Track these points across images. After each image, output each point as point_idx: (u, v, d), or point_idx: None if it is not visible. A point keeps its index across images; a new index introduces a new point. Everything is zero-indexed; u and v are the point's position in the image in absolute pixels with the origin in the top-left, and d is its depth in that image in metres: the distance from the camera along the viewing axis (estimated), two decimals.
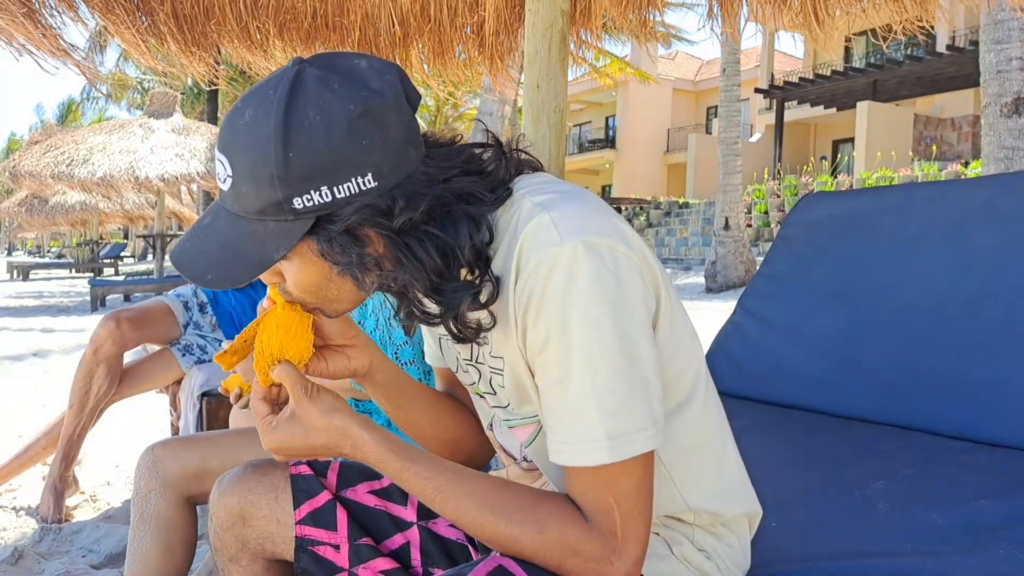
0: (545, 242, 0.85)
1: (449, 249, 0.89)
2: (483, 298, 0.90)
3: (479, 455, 1.20)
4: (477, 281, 0.90)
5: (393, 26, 4.31)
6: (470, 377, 1.07)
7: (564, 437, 0.86)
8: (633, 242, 0.90)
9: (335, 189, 0.85)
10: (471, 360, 1.04)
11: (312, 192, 0.85)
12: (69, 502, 2.74)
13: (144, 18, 3.43)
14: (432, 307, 0.94)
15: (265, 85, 0.88)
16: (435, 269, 0.89)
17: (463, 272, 0.91)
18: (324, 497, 1.09)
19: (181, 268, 0.93)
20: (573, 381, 0.84)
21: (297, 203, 0.85)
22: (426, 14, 4.29)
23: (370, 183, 0.86)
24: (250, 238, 0.89)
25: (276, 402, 0.97)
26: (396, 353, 1.58)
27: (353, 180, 0.85)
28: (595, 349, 0.83)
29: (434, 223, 0.89)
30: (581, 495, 0.87)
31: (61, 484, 2.65)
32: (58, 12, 2.90)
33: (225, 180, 0.89)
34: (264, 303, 0.99)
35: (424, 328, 1.19)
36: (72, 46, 2.62)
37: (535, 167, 1.02)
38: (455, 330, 0.93)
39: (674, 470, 1.00)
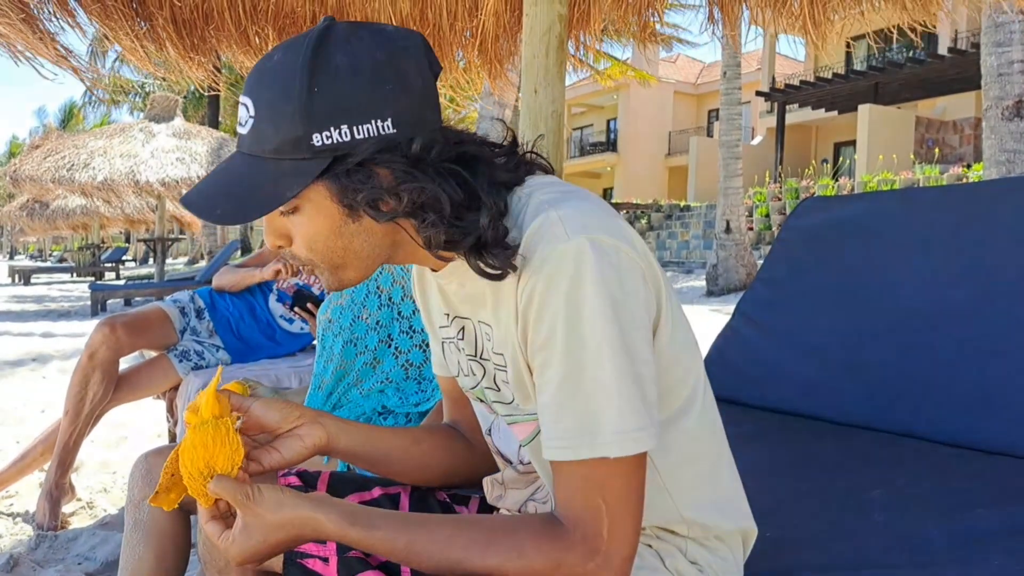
0: (552, 238, 0.85)
1: (468, 186, 0.90)
2: (503, 234, 0.88)
3: (476, 476, 1.19)
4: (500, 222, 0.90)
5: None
6: (473, 379, 1.06)
7: (563, 432, 0.85)
8: (637, 245, 0.90)
9: (355, 129, 0.87)
10: (475, 356, 1.03)
11: (332, 130, 0.86)
12: (65, 509, 2.73)
13: (143, 23, 3.43)
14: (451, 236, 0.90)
15: (296, 37, 0.90)
16: (456, 196, 0.88)
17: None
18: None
19: (190, 206, 0.91)
20: (575, 376, 0.84)
21: (316, 140, 0.86)
22: (425, 18, 4.29)
23: (389, 128, 0.88)
24: (264, 176, 0.89)
25: (228, 515, 0.94)
26: (408, 327, 1.57)
27: (373, 122, 0.87)
28: (599, 345, 0.83)
29: (451, 162, 0.90)
30: (570, 496, 0.86)
31: (57, 491, 2.64)
32: (56, 18, 2.90)
33: (246, 122, 0.90)
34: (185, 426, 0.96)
35: (431, 335, 1.19)
36: (69, 51, 2.61)
37: (546, 170, 1.02)
38: (481, 261, 0.89)
39: (669, 479, 0.99)
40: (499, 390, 1.01)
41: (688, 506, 1.00)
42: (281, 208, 0.91)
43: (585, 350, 0.83)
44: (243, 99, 0.91)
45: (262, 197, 0.88)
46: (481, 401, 1.08)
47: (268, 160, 0.89)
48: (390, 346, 1.65)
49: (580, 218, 0.87)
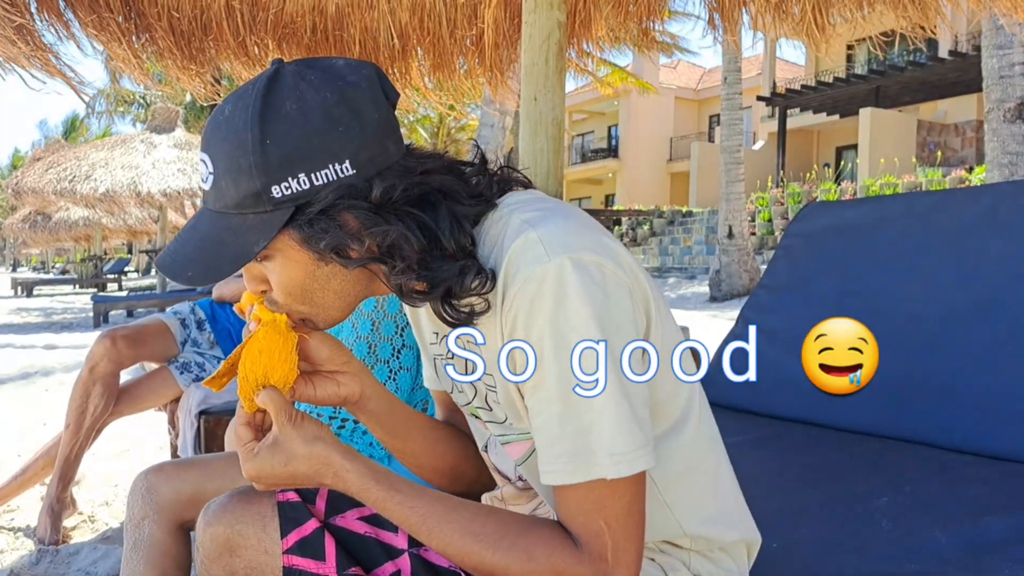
0: (532, 259, 0.84)
1: (430, 230, 0.89)
2: (473, 281, 0.88)
3: (479, 482, 1.17)
4: (467, 263, 0.89)
5: (392, 39, 4.30)
6: (465, 396, 1.04)
7: (557, 457, 0.84)
8: (622, 259, 0.88)
9: (313, 176, 0.86)
10: (466, 375, 1.01)
11: (290, 179, 0.86)
12: (67, 523, 2.72)
13: (142, 35, 3.43)
14: (420, 286, 0.91)
15: (245, 85, 0.90)
16: (418, 243, 0.88)
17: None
18: (312, 525, 1.06)
19: (163, 269, 0.93)
20: (569, 400, 0.82)
21: (276, 191, 0.86)
22: (425, 27, 4.29)
23: (348, 170, 0.87)
24: (230, 232, 0.89)
25: (260, 428, 0.95)
26: (394, 353, 1.54)
27: (331, 167, 0.87)
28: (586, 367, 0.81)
29: (412, 205, 0.89)
30: (571, 518, 0.85)
31: (58, 505, 2.62)
32: (53, 30, 2.90)
33: (207, 179, 0.90)
34: (249, 326, 0.97)
35: (422, 350, 1.17)
36: (63, 62, 2.61)
37: (525, 184, 1.00)
38: (445, 311, 0.90)
39: (668, 493, 0.97)
40: (491, 410, 0.99)
41: (689, 519, 0.98)
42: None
43: (571, 374, 0.82)
44: (201, 155, 0.92)
45: (231, 254, 0.89)
46: (476, 417, 1.06)
47: (233, 215, 0.89)
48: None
49: (560, 236, 0.85)
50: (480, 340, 0.92)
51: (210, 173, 0.90)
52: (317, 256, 0.90)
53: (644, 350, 0.88)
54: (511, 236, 0.88)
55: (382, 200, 0.88)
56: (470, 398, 1.03)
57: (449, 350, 1.00)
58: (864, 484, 1.57)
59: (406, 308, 1.18)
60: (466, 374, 1.01)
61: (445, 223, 0.89)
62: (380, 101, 0.91)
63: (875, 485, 1.55)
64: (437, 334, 1.06)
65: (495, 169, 0.99)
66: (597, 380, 0.81)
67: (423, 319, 1.11)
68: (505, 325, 0.87)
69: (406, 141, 0.97)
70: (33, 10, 2.84)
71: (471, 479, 1.17)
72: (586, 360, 0.81)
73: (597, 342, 0.81)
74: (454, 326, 0.91)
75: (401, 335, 1.54)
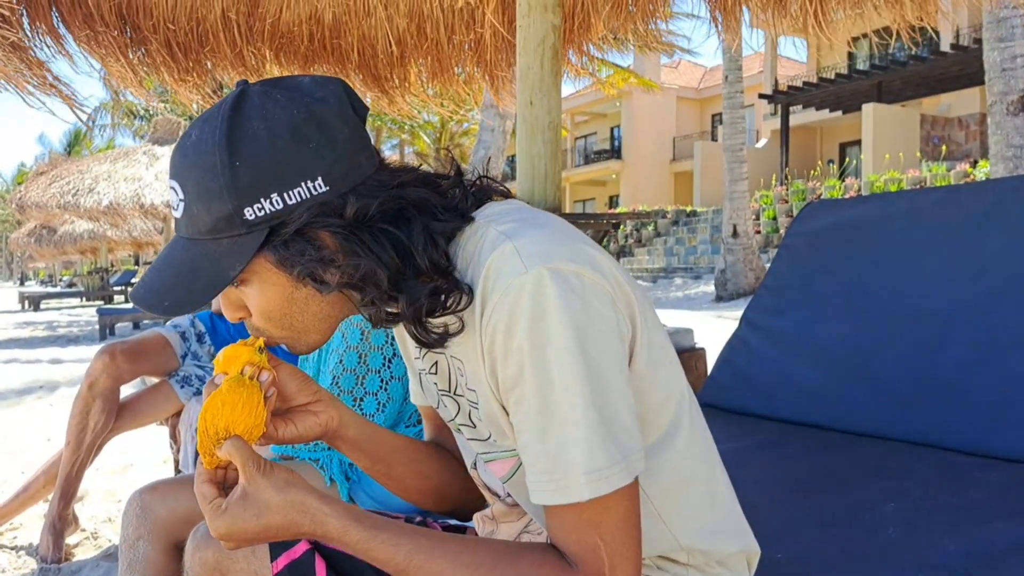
0: (509, 272, 0.82)
1: (404, 249, 0.87)
2: (448, 300, 0.86)
3: (467, 501, 1.15)
4: (440, 283, 0.87)
5: (391, 46, 4.30)
6: (449, 412, 1.02)
7: (541, 475, 0.82)
8: (604, 267, 0.85)
9: (285, 196, 0.85)
10: (448, 392, 0.99)
11: (263, 200, 0.84)
12: (69, 540, 2.70)
13: (137, 49, 3.42)
14: (394, 307, 0.90)
15: (211, 109, 0.88)
16: (392, 264, 0.86)
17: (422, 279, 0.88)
18: (302, 548, 1.03)
19: (138, 302, 0.90)
20: (545, 416, 0.80)
21: (248, 213, 0.85)
22: (423, 33, 4.28)
23: (321, 187, 0.86)
24: (205, 258, 0.87)
25: (223, 485, 0.90)
26: (385, 362, 1.52)
27: (303, 185, 0.85)
28: (566, 382, 0.79)
29: (387, 222, 0.87)
30: (565, 536, 0.83)
31: (60, 523, 2.60)
32: (46, 46, 2.89)
33: (178, 206, 0.89)
34: (214, 380, 0.93)
35: (407, 365, 1.15)
36: (57, 78, 2.60)
37: (504, 195, 0.98)
38: (418, 333, 0.89)
39: (662, 506, 0.94)
40: (474, 426, 0.97)
41: (685, 532, 0.96)
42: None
43: (552, 388, 0.80)
44: (170, 182, 0.89)
45: (207, 280, 0.86)
46: (461, 433, 1.04)
47: (206, 241, 0.87)
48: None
49: (537, 246, 0.83)
50: (462, 353, 0.90)
51: (181, 200, 0.88)
52: (294, 279, 0.88)
53: (631, 357, 0.86)
54: (487, 249, 0.86)
55: (357, 217, 0.86)
56: (453, 414, 1.01)
57: (433, 364, 0.98)
58: (870, 489, 1.54)
59: (393, 330, 1.16)
60: (448, 390, 0.99)
61: (419, 241, 0.87)
62: (349, 116, 0.89)
63: (881, 490, 1.52)
64: (420, 348, 1.03)
65: (472, 180, 0.97)
66: (575, 396, 0.79)
67: (407, 336, 1.08)
68: (484, 340, 0.84)
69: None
70: (26, 26, 2.84)
71: (458, 499, 1.15)
72: (565, 376, 0.79)
73: (576, 355, 0.79)
74: (428, 347, 0.89)
75: (392, 344, 1.52)
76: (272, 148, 0.84)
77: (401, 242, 0.87)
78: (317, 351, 1.64)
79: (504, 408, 0.87)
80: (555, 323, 0.79)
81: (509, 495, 1.03)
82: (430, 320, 0.88)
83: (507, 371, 0.83)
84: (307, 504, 0.84)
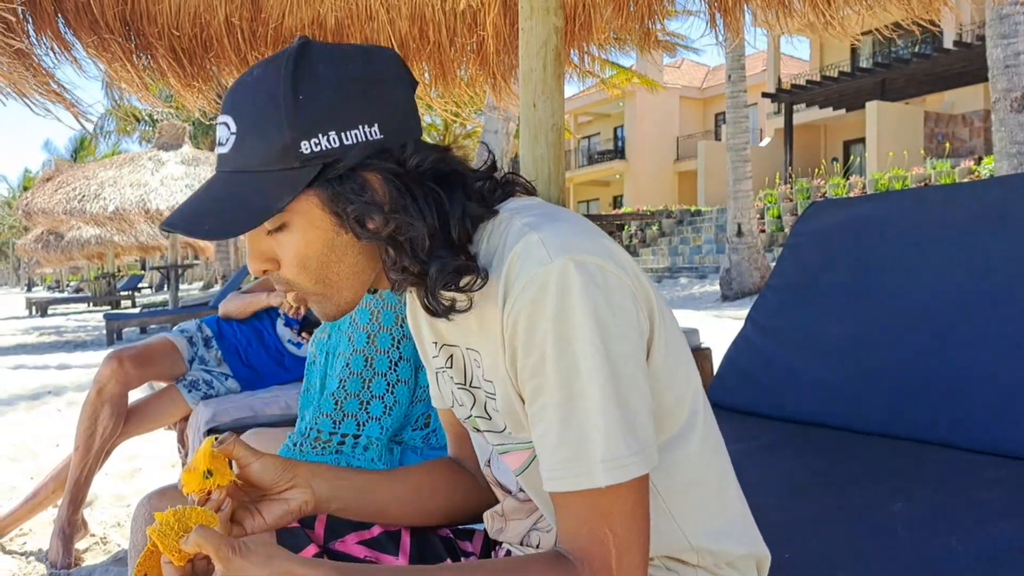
0: (534, 261, 0.83)
1: (444, 214, 0.89)
2: (465, 277, 0.87)
3: (476, 508, 1.15)
4: (463, 259, 0.88)
5: (392, 49, 4.30)
6: (464, 410, 1.03)
7: (556, 463, 0.82)
8: (624, 263, 0.87)
9: (343, 135, 0.86)
10: (464, 384, 1.00)
11: (320, 136, 0.85)
12: (79, 546, 2.71)
13: (143, 55, 3.43)
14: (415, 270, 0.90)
15: (274, 55, 0.89)
16: (431, 225, 0.87)
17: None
18: (311, 551, 1.04)
19: (173, 227, 0.88)
20: (566, 404, 0.81)
21: (305, 147, 0.85)
22: (425, 36, 4.29)
23: (376, 135, 0.87)
24: (251, 189, 0.86)
25: None
26: (391, 366, 1.53)
27: (361, 128, 0.87)
28: (588, 371, 0.80)
29: (435, 182, 0.89)
30: (575, 527, 0.83)
31: (70, 528, 2.61)
32: (52, 52, 2.90)
33: (227, 140, 0.88)
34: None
35: (426, 366, 1.16)
36: (63, 86, 2.61)
37: (528, 191, 0.99)
38: (428, 301, 0.89)
39: (674, 505, 0.95)
40: (490, 418, 0.98)
41: (695, 532, 0.96)
42: (267, 227, 0.89)
43: (575, 376, 0.80)
44: (222, 119, 0.89)
45: (251, 210, 0.85)
46: (477, 431, 1.05)
47: (254, 174, 0.87)
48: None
49: (563, 239, 0.84)
50: (480, 344, 0.91)
51: (232, 134, 0.88)
52: (338, 222, 0.88)
53: (648, 354, 0.87)
54: (512, 239, 0.87)
55: (412, 166, 0.88)
56: (469, 408, 1.01)
57: (448, 358, 0.99)
58: (878, 489, 1.54)
59: (409, 321, 1.16)
60: (464, 382, 0.99)
61: (457, 210, 0.89)
62: (404, 79, 0.92)
63: (889, 490, 1.52)
64: (436, 343, 1.04)
65: (501, 175, 0.98)
66: (596, 386, 0.80)
67: (424, 330, 1.09)
68: (506, 328, 0.85)
69: None
70: (31, 32, 2.85)
71: (471, 512, 1.16)
72: (588, 365, 0.80)
73: (598, 346, 0.80)
74: (435, 315, 0.90)
75: (398, 348, 1.52)
76: (335, 88, 0.86)
77: (443, 206, 0.88)
78: (324, 354, 1.65)
79: (522, 397, 0.88)
80: (579, 314, 0.80)
81: (521, 490, 1.03)
82: (443, 292, 0.88)
83: (528, 359, 0.83)
84: (293, 572, 0.80)
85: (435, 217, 0.88)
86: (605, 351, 0.80)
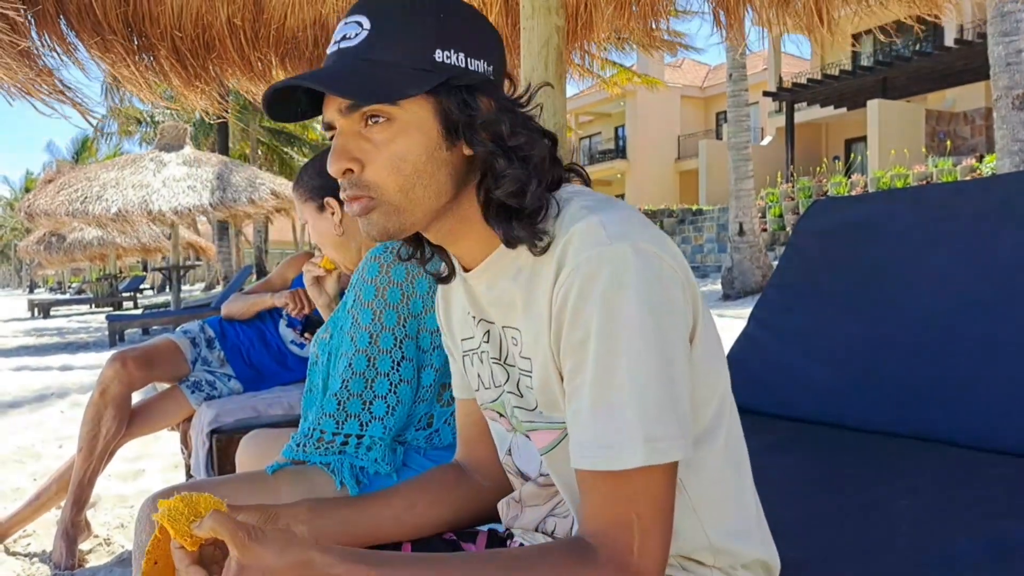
0: (593, 241, 0.84)
1: (540, 159, 0.93)
2: (542, 224, 0.91)
3: (479, 518, 1.16)
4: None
5: None
6: (494, 391, 1.04)
7: (594, 440, 0.82)
8: (677, 255, 0.89)
9: (469, 60, 0.91)
10: (500, 360, 1.00)
11: (452, 51, 0.90)
12: (83, 547, 2.72)
13: (145, 56, 3.44)
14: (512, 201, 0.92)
15: None
16: (538, 161, 0.92)
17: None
18: None
19: (319, 81, 0.89)
20: (612, 382, 0.82)
21: (439, 55, 0.89)
22: None
23: (491, 75, 0.93)
24: (383, 70, 0.88)
25: (211, 564, 0.86)
26: (394, 366, 1.52)
27: (482, 61, 0.92)
28: (634, 352, 0.81)
29: (532, 131, 0.93)
30: (600, 509, 0.83)
31: (73, 529, 2.62)
32: (56, 53, 2.91)
33: (356, 36, 0.90)
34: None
35: (452, 355, 1.17)
36: (67, 86, 2.61)
37: (584, 180, 1.02)
38: (519, 230, 0.90)
39: (698, 500, 0.95)
40: (522, 396, 0.98)
41: (716, 530, 0.96)
42: (376, 111, 0.89)
43: (618, 355, 0.81)
44: (353, 18, 0.92)
45: (378, 82, 0.88)
46: (501, 415, 1.05)
47: (385, 64, 0.89)
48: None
49: (622, 225, 0.86)
50: (523, 321, 0.93)
51: (365, 30, 0.90)
52: (445, 135, 0.91)
53: (689, 346, 0.88)
54: (570, 219, 0.89)
55: (517, 100, 0.94)
56: (502, 384, 1.01)
57: (486, 333, 1.00)
58: (882, 487, 1.54)
59: (439, 306, 1.17)
60: (499, 358, 1.00)
61: (550, 163, 0.94)
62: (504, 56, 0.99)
63: (894, 488, 1.52)
64: (474, 317, 1.04)
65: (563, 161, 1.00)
66: (641, 367, 0.81)
67: (455, 313, 1.10)
68: (555, 303, 0.87)
69: None
70: (34, 34, 2.85)
71: (470, 520, 1.16)
72: (634, 346, 0.81)
73: (647, 330, 0.81)
74: (515, 243, 0.91)
75: (401, 348, 1.52)
76: (473, 20, 0.94)
77: (543, 148, 0.93)
78: (326, 355, 1.65)
79: (561, 375, 0.88)
80: (633, 297, 0.81)
81: (541, 476, 1.03)
82: (533, 226, 0.91)
83: (573, 335, 0.84)
84: (311, 558, 0.80)
85: (538, 150, 0.92)
86: (655, 335, 0.82)
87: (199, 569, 0.84)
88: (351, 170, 0.91)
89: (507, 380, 1.00)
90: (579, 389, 0.84)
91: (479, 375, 1.06)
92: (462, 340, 1.10)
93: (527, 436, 1.01)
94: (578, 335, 0.84)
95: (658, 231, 0.89)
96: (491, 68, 0.92)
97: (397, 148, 0.90)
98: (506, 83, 0.96)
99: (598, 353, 0.82)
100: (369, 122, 0.90)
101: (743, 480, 1.01)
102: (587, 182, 1.01)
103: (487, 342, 1.02)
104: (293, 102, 0.95)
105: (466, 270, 1.01)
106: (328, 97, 0.92)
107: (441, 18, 0.90)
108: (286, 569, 0.79)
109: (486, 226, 0.95)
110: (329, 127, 0.93)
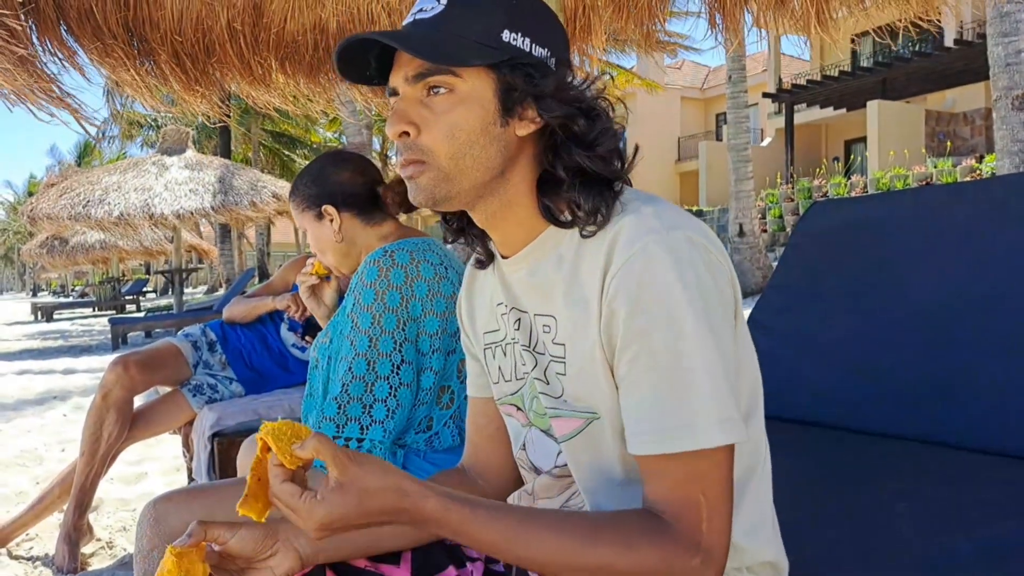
0: (647, 229, 0.87)
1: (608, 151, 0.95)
2: (605, 203, 0.92)
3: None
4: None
5: None
6: (516, 383, 1.05)
7: (660, 425, 0.84)
8: (721, 249, 0.92)
9: (535, 47, 0.94)
10: (529, 347, 1.01)
11: (519, 34, 0.93)
12: (85, 550, 2.72)
13: (145, 61, 3.45)
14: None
15: None
16: (605, 151, 0.94)
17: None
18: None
19: (395, 39, 0.92)
20: (673, 367, 0.83)
21: (506, 36, 0.92)
22: None
23: (554, 67, 0.95)
24: (454, 41, 0.92)
25: (304, 483, 0.88)
26: (394, 369, 1.53)
27: (546, 50, 0.95)
28: (695, 337, 0.83)
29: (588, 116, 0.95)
30: (669, 490, 0.85)
31: (76, 533, 2.63)
32: (57, 58, 2.92)
33: (431, 9, 0.93)
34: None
35: (472, 353, 1.18)
36: (67, 93, 2.62)
37: (627, 180, 1.03)
38: (590, 197, 0.92)
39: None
40: (548, 383, 0.99)
41: (740, 525, 0.94)
42: (439, 83, 0.92)
43: (683, 341, 0.83)
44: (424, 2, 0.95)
45: (452, 51, 0.91)
46: (518, 409, 1.06)
47: (455, 35, 0.92)
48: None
49: (674, 216, 0.90)
50: (563, 309, 0.95)
51: (441, 5, 0.93)
52: (502, 111, 0.93)
53: (732, 335, 0.90)
54: (620, 209, 0.92)
55: (572, 97, 0.94)
56: (528, 370, 1.02)
57: (517, 321, 1.02)
58: (882, 489, 1.54)
59: (461, 298, 1.18)
60: (529, 345, 1.01)
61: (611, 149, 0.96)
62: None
63: (894, 490, 1.52)
64: (505, 306, 1.05)
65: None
66: (704, 352, 0.83)
67: (480, 306, 1.12)
68: (608, 290, 0.88)
69: None
70: (35, 40, 2.86)
71: None
72: (697, 332, 0.83)
73: (704, 316, 0.84)
74: (567, 223, 0.94)
75: (400, 351, 1.53)
76: (543, 11, 0.96)
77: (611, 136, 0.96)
78: (326, 358, 1.66)
79: (609, 363, 0.90)
80: (689, 284, 0.84)
81: (556, 467, 1.04)
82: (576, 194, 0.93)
83: (633, 322, 0.85)
84: (406, 488, 0.83)
85: (602, 139, 0.95)
86: (708, 322, 0.84)
87: (293, 485, 0.85)
88: (407, 133, 0.94)
89: (535, 367, 1.00)
90: (643, 376, 0.86)
91: (500, 368, 1.07)
92: (485, 333, 1.11)
93: (543, 431, 1.03)
94: (639, 322, 0.85)
95: (704, 226, 0.92)
96: (554, 60, 0.95)
97: (454, 117, 0.92)
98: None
99: (665, 338, 0.84)
100: (431, 92, 0.93)
101: (765, 476, 1.02)
102: (628, 182, 1.02)
103: (517, 330, 1.03)
104: (363, 65, 0.98)
105: (504, 257, 1.03)
106: (396, 64, 0.96)
107: (513, 3, 0.94)
108: (382, 491, 0.83)
109: (530, 211, 0.97)
110: (393, 93, 0.96)
